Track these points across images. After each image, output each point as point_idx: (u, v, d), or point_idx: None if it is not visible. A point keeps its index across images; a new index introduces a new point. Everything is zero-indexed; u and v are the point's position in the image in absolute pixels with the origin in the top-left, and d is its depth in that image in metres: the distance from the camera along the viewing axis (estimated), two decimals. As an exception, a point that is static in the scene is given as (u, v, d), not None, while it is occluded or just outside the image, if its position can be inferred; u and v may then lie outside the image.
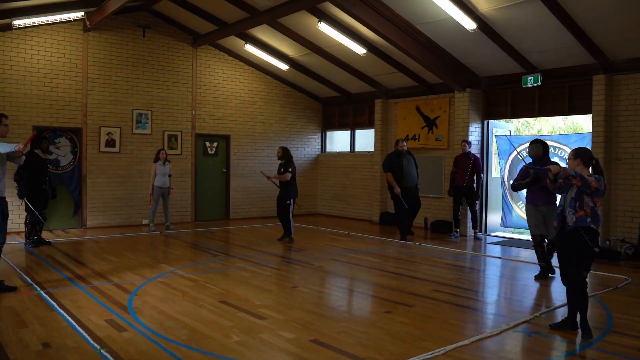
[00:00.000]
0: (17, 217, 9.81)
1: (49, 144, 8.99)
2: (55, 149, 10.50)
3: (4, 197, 5.65)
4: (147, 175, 11.30)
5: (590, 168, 4.55)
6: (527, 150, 6.96)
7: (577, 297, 4.51)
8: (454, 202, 10.17)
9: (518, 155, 10.23)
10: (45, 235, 9.29)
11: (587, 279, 4.58)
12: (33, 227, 8.57)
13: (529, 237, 9.90)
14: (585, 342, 4.32)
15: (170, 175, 10.83)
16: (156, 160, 10.60)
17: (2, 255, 5.97)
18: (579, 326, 4.52)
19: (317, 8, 9.42)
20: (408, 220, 9.93)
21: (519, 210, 10.27)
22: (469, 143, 10.08)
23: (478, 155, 10.40)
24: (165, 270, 6.97)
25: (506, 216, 10.48)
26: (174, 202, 11.86)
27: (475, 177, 9.96)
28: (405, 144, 9.91)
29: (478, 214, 10.31)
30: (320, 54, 11.33)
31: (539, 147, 6.72)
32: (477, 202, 10.18)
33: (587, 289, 4.56)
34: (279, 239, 9.66)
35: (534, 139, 7.09)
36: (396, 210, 9.87)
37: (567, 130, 16.94)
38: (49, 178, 8.76)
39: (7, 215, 5.70)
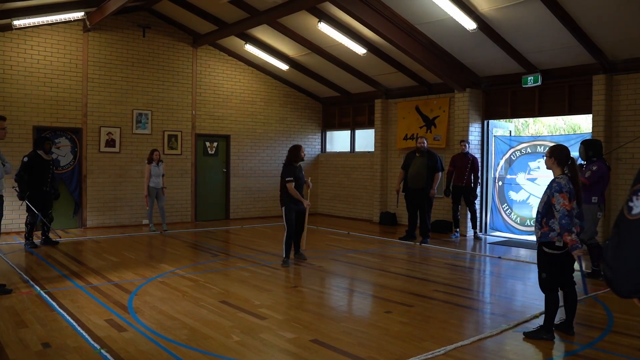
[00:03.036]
0: (17, 217, 9.81)
1: (51, 144, 8.83)
2: (55, 149, 10.49)
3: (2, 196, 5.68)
4: (147, 175, 11.33)
5: (565, 168, 4.39)
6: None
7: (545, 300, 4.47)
8: (453, 202, 10.19)
9: (511, 156, 10.26)
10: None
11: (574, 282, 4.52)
12: (32, 227, 8.57)
13: (529, 237, 9.92)
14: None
15: (163, 175, 10.61)
16: (150, 161, 10.41)
17: None
18: (569, 329, 4.53)
19: (317, 8, 9.42)
20: (410, 221, 9.84)
21: (504, 214, 10.30)
22: (468, 143, 10.09)
23: (478, 155, 10.43)
24: (165, 270, 6.97)
25: (494, 217, 10.51)
26: (174, 202, 11.85)
27: (472, 177, 9.98)
28: (423, 140, 9.54)
29: (478, 214, 10.31)
30: (320, 54, 11.32)
31: (580, 148, 6.74)
32: (477, 201, 10.20)
33: (557, 293, 4.44)
34: (297, 255, 7.88)
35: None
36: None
37: (567, 131, 16.95)
38: (52, 179, 8.67)
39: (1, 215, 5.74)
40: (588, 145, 6.70)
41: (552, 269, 4.39)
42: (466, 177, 9.90)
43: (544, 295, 4.48)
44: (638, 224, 1.34)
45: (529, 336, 4.42)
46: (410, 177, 9.53)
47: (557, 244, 4.28)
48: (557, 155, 4.41)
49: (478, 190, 10.25)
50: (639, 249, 1.32)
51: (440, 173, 9.44)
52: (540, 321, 4.79)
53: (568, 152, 4.46)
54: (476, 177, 10.04)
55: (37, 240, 8.77)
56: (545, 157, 4.53)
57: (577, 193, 4.34)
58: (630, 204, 1.39)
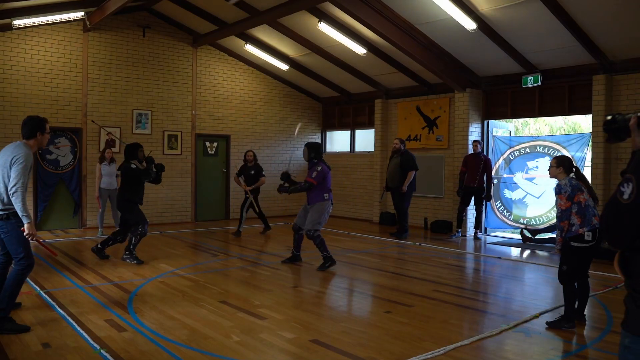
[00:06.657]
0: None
1: (144, 152, 7.75)
2: (55, 149, 10.50)
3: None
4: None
5: (572, 174, 4.85)
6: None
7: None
8: (460, 202, 10.10)
9: (509, 155, 10.25)
10: (44, 236, 9.27)
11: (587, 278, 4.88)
12: (141, 238, 7.70)
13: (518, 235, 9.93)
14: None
15: (117, 176, 9.59)
16: (101, 160, 9.78)
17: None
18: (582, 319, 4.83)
19: (317, 8, 9.42)
20: (396, 217, 10.67)
21: (496, 211, 10.32)
22: (480, 143, 10.05)
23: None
24: (165, 270, 6.97)
25: (487, 216, 10.51)
26: (174, 202, 11.85)
27: (485, 178, 9.93)
28: (397, 142, 10.24)
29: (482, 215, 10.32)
30: (320, 54, 11.32)
31: (304, 150, 7.33)
32: (489, 202, 10.24)
33: (573, 287, 4.79)
34: (263, 232, 10.57)
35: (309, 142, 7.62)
36: None
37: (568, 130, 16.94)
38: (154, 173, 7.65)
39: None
40: (311, 148, 7.32)
41: (576, 262, 4.69)
42: (478, 177, 9.85)
43: (561, 286, 4.83)
44: (629, 206, 1.79)
45: (551, 325, 4.69)
46: (388, 176, 10.39)
47: (586, 238, 4.58)
48: (565, 165, 4.83)
49: (491, 191, 10.16)
50: (630, 226, 1.81)
51: (414, 172, 10.03)
52: (545, 318, 4.81)
53: (572, 161, 4.95)
54: (489, 178, 9.96)
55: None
56: (551, 167, 4.91)
57: (589, 189, 4.76)
58: (622, 189, 1.81)
